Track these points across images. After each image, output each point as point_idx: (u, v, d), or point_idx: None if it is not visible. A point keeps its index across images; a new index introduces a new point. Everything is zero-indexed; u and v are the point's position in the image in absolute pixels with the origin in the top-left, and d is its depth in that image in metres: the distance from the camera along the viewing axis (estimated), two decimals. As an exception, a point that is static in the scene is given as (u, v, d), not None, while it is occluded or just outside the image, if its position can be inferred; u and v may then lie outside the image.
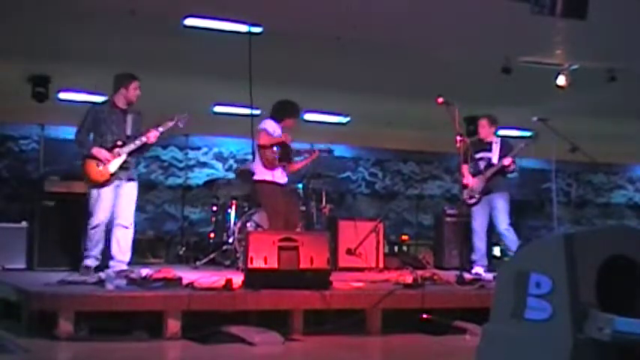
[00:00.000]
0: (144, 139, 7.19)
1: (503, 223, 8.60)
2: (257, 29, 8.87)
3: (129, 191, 7.25)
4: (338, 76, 10.49)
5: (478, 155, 8.80)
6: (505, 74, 9.94)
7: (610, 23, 8.11)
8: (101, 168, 7.10)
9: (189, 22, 8.61)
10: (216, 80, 10.51)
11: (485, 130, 8.87)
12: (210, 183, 11.29)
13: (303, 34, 8.98)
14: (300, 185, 9.81)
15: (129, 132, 7.22)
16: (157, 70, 9.34)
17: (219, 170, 13.23)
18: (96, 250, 7.22)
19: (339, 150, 13.14)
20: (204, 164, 13.23)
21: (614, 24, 8.26)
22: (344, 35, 8.95)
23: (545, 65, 10.09)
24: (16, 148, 12.09)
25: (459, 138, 7.96)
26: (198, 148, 13.13)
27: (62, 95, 10.96)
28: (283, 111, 8.17)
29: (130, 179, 7.25)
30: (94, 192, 7.15)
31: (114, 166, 7.13)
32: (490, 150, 8.75)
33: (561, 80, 10.23)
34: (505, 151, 8.72)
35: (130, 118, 7.23)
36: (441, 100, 7.76)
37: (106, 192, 7.14)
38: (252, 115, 9.21)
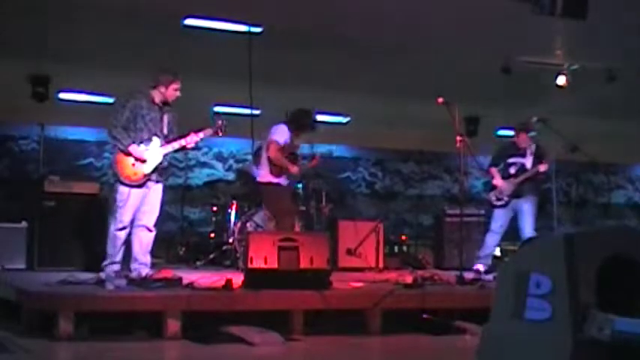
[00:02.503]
0: (183, 142, 6.86)
1: (529, 228, 8.52)
2: (257, 29, 8.88)
3: (156, 193, 6.87)
4: (338, 76, 10.49)
5: (511, 160, 8.69)
6: (505, 74, 9.94)
7: (610, 23, 8.11)
8: (137, 167, 6.70)
9: (189, 22, 8.62)
10: (216, 80, 10.52)
11: (524, 141, 8.67)
12: (210, 183, 11.30)
13: (303, 34, 8.99)
14: (300, 185, 9.81)
15: (165, 131, 6.87)
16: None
17: (219, 170, 13.23)
18: (119, 256, 6.80)
19: (339, 150, 13.15)
20: (204, 164, 13.23)
21: (614, 24, 8.27)
22: (344, 35, 8.96)
23: (545, 65, 10.09)
24: (16, 148, 12.09)
25: (458, 138, 7.95)
26: (199, 148, 13.10)
27: (62, 95, 10.97)
28: (300, 123, 8.14)
29: (158, 181, 6.89)
30: (124, 190, 6.69)
31: (150, 166, 6.74)
32: (524, 155, 8.67)
33: (561, 80, 10.24)
34: (538, 156, 8.61)
35: (166, 117, 6.88)
36: (441, 100, 7.75)
37: (137, 193, 6.74)
38: (252, 115, 9.21)
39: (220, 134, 7.07)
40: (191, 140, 6.91)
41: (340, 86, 10.75)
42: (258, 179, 8.25)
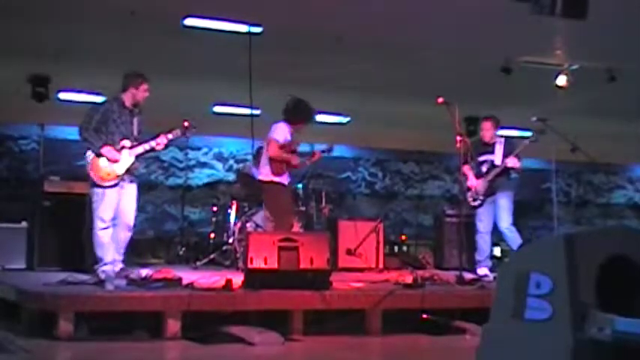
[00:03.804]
0: (153, 144, 7.14)
1: (505, 222, 8.51)
2: (257, 29, 8.87)
3: (131, 192, 7.15)
4: (338, 76, 10.49)
5: (481, 158, 8.63)
6: (505, 74, 9.94)
7: (610, 23, 8.11)
8: (109, 168, 6.97)
9: (189, 22, 8.61)
10: (216, 80, 10.52)
11: (489, 132, 8.67)
12: (210, 183, 11.30)
13: (303, 34, 8.98)
14: (300, 185, 9.80)
15: (135, 133, 7.15)
16: (157, 70, 9.30)
17: (219, 170, 13.23)
18: (109, 255, 6.99)
19: (339, 150, 13.13)
20: (204, 164, 13.23)
21: (614, 24, 8.26)
22: (344, 35, 8.95)
23: (545, 65, 10.09)
24: (15, 148, 12.09)
25: (459, 138, 7.95)
26: (199, 149, 13.13)
27: (62, 95, 10.97)
28: (299, 114, 8.04)
29: (131, 181, 7.16)
30: (98, 191, 6.99)
31: (122, 167, 7.02)
32: (493, 152, 8.62)
33: (561, 80, 10.23)
34: (508, 150, 8.56)
35: (136, 119, 7.16)
36: (441, 100, 7.75)
37: (111, 192, 7.00)
38: (252, 115, 9.20)
39: (188, 135, 7.43)
40: (161, 141, 7.20)
41: (340, 86, 10.74)
42: (260, 177, 8.23)
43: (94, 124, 6.98)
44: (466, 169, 8.61)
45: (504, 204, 8.56)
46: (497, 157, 8.56)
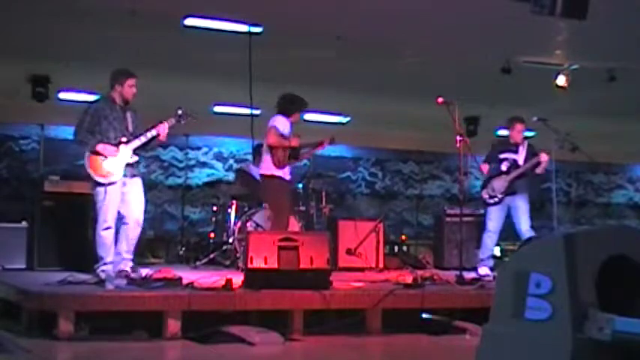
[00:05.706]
0: (149, 135, 7.06)
1: (525, 224, 8.53)
2: (257, 29, 8.88)
3: (136, 188, 7.10)
4: (338, 76, 10.49)
5: (502, 155, 8.68)
6: (505, 74, 9.94)
7: (610, 23, 8.11)
8: (107, 164, 6.92)
9: (189, 22, 8.61)
10: (216, 80, 10.52)
11: (520, 134, 8.72)
12: (210, 183, 11.30)
13: (303, 34, 8.99)
14: (300, 185, 9.80)
15: (130, 129, 7.10)
16: (157, 70, 9.34)
17: (219, 170, 13.23)
18: (111, 255, 6.97)
19: (339, 150, 13.15)
20: (204, 164, 13.22)
21: (614, 24, 8.26)
22: (344, 35, 8.96)
23: (545, 65, 10.09)
24: (16, 148, 12.08)
25: (459, 138, 7.95)
26: (199, 148, 13.12)
27: (62, 95, 10.97)
28: (292, 105, 8.10)
29: (133, 175, 7.10)
30: (100, 190, 6.93)
31: (121, 162, 6.97)
32: (516, 152, 8.67)
33: (561, 80, 10.23)
34: (530, 152, 8.60)
35: (129, 115, 7.13)
36: (441, 100, 7.76)
37: (113, 190, 6.94)
38: (252, 115, 9.21)
39: (183, 122, 7.29)
40: (163, 128, 7.12)
41: (340, 86, 10.74)
42: (261, 172, 8.19)
43: (86, 126, 6.98)
44: (484, 167, 8.73)
45: (523, 206, 8.59)
46: (520, 158, 8.60)
